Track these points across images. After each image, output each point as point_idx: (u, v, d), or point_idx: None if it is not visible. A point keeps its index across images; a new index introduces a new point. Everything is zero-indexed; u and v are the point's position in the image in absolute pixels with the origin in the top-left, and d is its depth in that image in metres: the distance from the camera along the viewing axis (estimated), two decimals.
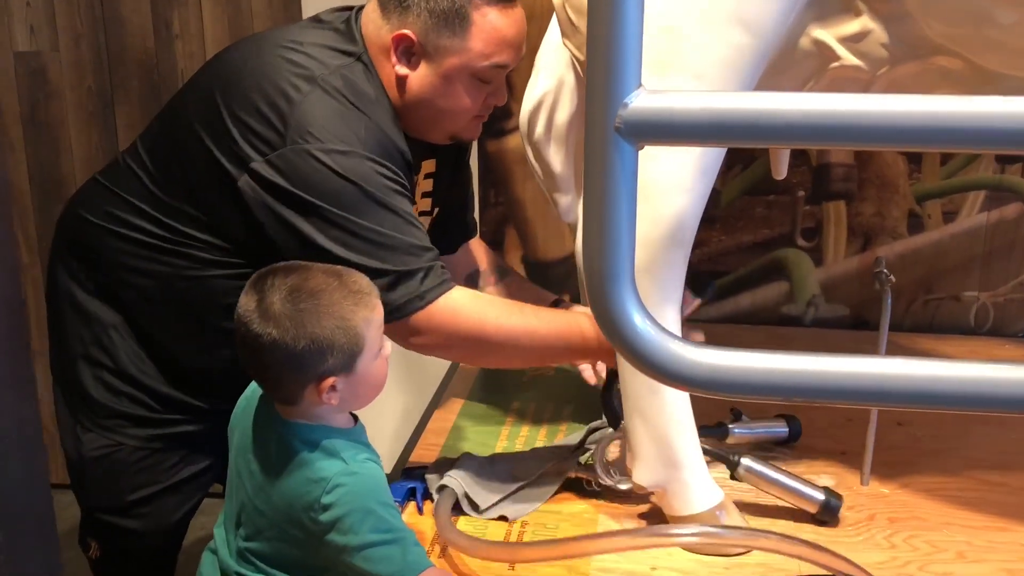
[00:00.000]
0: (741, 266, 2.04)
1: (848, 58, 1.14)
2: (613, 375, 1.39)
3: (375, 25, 1.37)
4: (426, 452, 1.54)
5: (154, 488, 1.45)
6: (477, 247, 1.73)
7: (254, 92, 1.32)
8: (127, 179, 1.43)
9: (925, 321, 2.01)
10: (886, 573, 1.24)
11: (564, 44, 1.34)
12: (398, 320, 1.29)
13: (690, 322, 2.02)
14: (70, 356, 1.46)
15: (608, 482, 1.37)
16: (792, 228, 2.00)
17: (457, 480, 1.37)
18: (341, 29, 1.39)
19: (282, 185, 1.29)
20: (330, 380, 1.09)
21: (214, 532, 1.25)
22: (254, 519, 1.17)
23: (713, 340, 1.94)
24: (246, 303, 1.10)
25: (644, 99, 0.82)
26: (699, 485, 1.27)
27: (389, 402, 2.24)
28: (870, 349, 1.89)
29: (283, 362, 1.08)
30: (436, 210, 1.58)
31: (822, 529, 1.33)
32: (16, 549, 0.98)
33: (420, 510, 1.37)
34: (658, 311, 1.21)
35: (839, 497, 1.34)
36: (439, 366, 1.94)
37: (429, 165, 1.52)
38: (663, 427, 1.24)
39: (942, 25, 1.11)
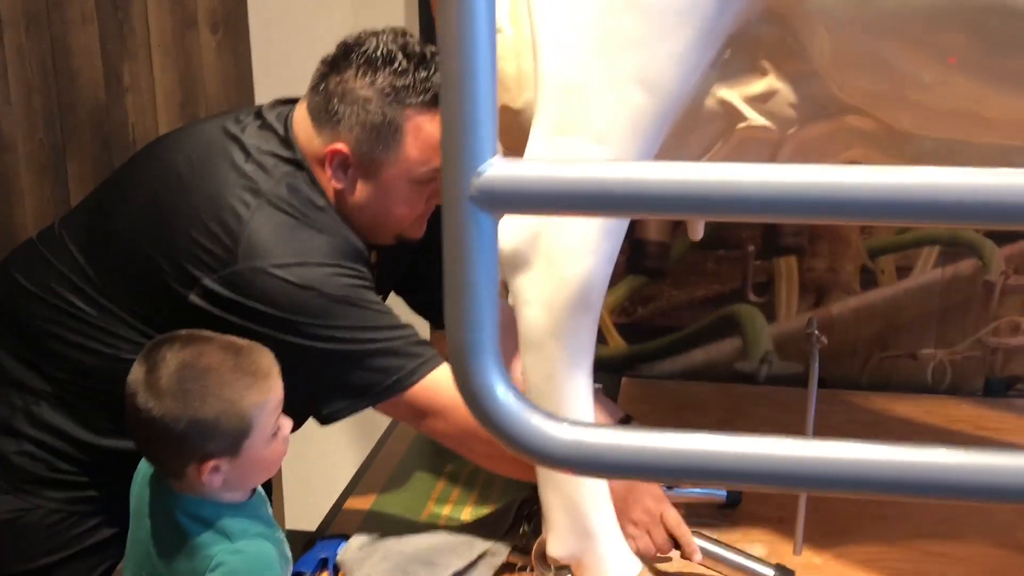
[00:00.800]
0: (693, 321, 2.01)
1: (755, 118, 1.12)
2: None
3: (307, 135, 1.37)
4: (351, 517, 1.50)
5: (69, 551, 1.40)
6: None
7: (202, 209, 1.31)
8: (61, 252, 1.41)
9: (882, 379, 1.97)
10: None
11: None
12: (388, 399, 1.30)
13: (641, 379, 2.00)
14: None
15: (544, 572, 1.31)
16: (743, 283, 1.97)
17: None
18: (280, 133, 1.38)
19: (239, 301, 1.28)
20: (211, 463, 1.06)
21: None
22: None
23: (664, 397, 1.91)
24: (135, 373, 1.08)
25: (498, 168, 0.79)
26: (614, 557, 1.23)
27: (334, 454, 2.21)
28: (835, 408, 1.88)
29: (164, 439, 1.05)
30: (380, 296, 1.56)
31: None
32: None
33: None
34: (567, 378, 1.17)
35: (790, 573, 1.30)
36: (381, 423, 1.91)
37: (372, 256, 1.50)
38: (575, 496, 1.20)
39: (858, 83, 1.09)
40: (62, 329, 1.38)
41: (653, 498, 1.35)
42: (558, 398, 1.18)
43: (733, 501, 1.50)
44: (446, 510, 1.51)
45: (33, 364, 1.40)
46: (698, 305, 1.99)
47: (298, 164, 1.36)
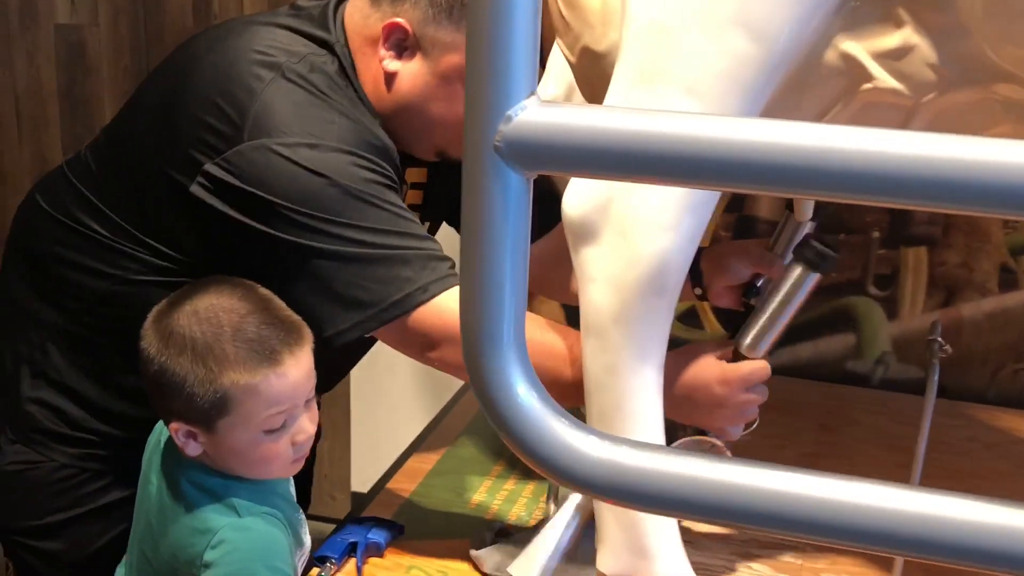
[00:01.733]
0: (802, 312, 1.80)
1: (883, 79, 0.93)
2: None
3: (362, 14, 1.23)
4: (390, 500, 1.37)
5: (77, 511, 1.31)
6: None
7: (211, 85, 1.18)
8: (83, 172, 1.32)
9: (1014, 394, 1.74)
10: None
11: (557, 44, 1.15)
12: (397, 318, 1.13)
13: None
14: (10, 360, 1.34)
15: None
16: (864, 274, 1.76)
17: None
18: (315, 16, 1.24)
19: (238, 186, 1.14)
20: (178, 425, 0.95)
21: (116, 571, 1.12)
22: (141, 566, 1.03)
23: (770, 393, 1.73)
24: (159, 305, 1.00)
25: (534, 112, 0.63)
26: None
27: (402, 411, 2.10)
28: (954, 422, 1.67)
29: (145, 377, 0.97)
30: (427, 225, 1.41)
31: None
32: None
33: (359, 570, 1.21)
34: (632, 372, 1.01)
35: None
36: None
37: (417, 174, 1.36)
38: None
39: (1017, 44, 0.89)
40: (73, 252, 1.29)
41: (718, 381, 1.18)
42: (619, 395, 1.02)
43: None
44: (496, 502, 1.37)
45: (47, 294, 1.32)
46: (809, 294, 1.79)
47: (331, 47, 1.22)
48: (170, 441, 1.03)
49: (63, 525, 1.31)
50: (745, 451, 1.54)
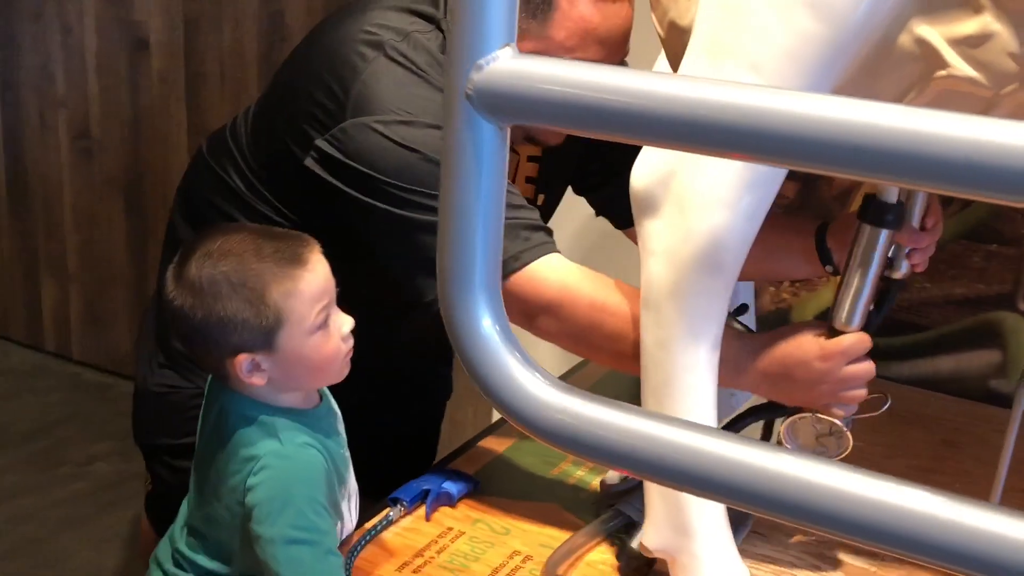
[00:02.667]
0: (946, 323, 1.73)
1: (959, 67, 0.89)
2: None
3: None
4: (479, 456, 1.41)
5: None
6: None
7: (323, 63, 1.27)
8: (237, 131, 1.43)
9: None
10: None
11: (652, 20, 1.15)
12: None
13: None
14: None
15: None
16: (1015, 288, 1.66)
17: None
18: None
19: (343, 161, 1.23)
20: (243, 357, 1.00)
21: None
22: (194, 495, 1.10)
23: (897, 404, 1.67)
24: (170, 270, 1.04)
25: (505, 62, 0.66)
26: (714, 562, 1.06)
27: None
28: None
29: (190, 334, 1.01)
30: (542, 197, 1.44)
31: None
32: None
33: (428, 517, 1.26)
34: (683, 349, 1.01)
35: None
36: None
37: (531, 148, 1.39)
38: None
39: None
40: (221, 200, 1.40)
41: (817, 357, 1.14)
42: (669, 370, 1.02)
43: None
44: (580, 472, 1.38)
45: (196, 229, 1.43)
46: (955, 305, 1.71)
47: (437, 23, 1.26)
48: (218, 382, 1.08)
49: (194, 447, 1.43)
50: (851, 460, 1.50)
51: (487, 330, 0.68)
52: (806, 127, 0.55)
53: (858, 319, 1.16)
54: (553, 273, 1.19)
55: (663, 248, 1.00)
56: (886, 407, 1.21)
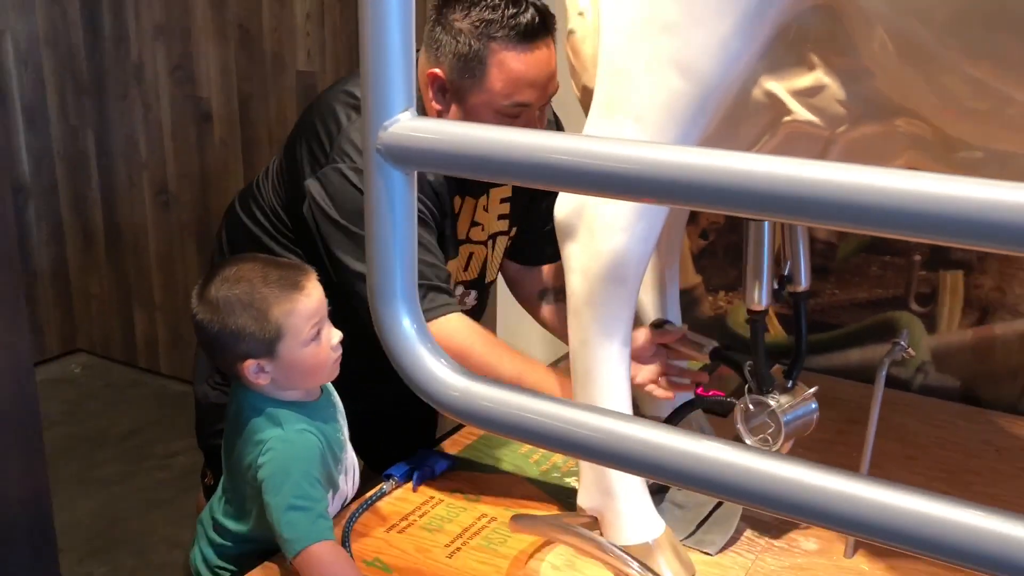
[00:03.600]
0: (853, 322, 1.75)
1: (801, 113, 0.93)
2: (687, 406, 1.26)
3: (422, 61, 1.30)
4: (462, 439, 1.46)
5: None
6: (552, 268, 1.61)
7: (316, 118, 1.32)
8: (264, 181, 1.48)
9: None
10: None
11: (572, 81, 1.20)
12: None
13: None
14: None
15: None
16: (906, 291, 1.69)
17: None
18: None
19: (319, 201, 1.28)
20: (250, 362, 1.05)
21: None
22: (225, 472, 1.16)
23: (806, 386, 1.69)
24: (195, 289, 1.10)
25: (404, 124, 0.71)
26: (632, 517, 1.10)
27: None
28: (975, 427, 1.57)
29: (207, 341, 1.06)
30: (514, 229, 1.49)
31: None
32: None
33: (415, 488, 1.30)
34: (599, 345, 1.05)
35: None
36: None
37: (504, 190, 1.44)
38: None
39: (911, 86, 0.87)
40: (245, 241, 1.45)
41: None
42: (590, 363, 1.07)
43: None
44: (554, 457, 1.42)
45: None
46: (858, 307, 1.74)
47: None
48: (238, 383, 1.13)
49: None
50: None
51: (407, 329, 0.73)
52: (659, 171, 0.59)
53: (765, 300, 1.17)
54: (449, 334, 1.24)
55: (579, 266, 1.05)
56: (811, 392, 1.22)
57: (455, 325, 1.25)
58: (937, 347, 1.68)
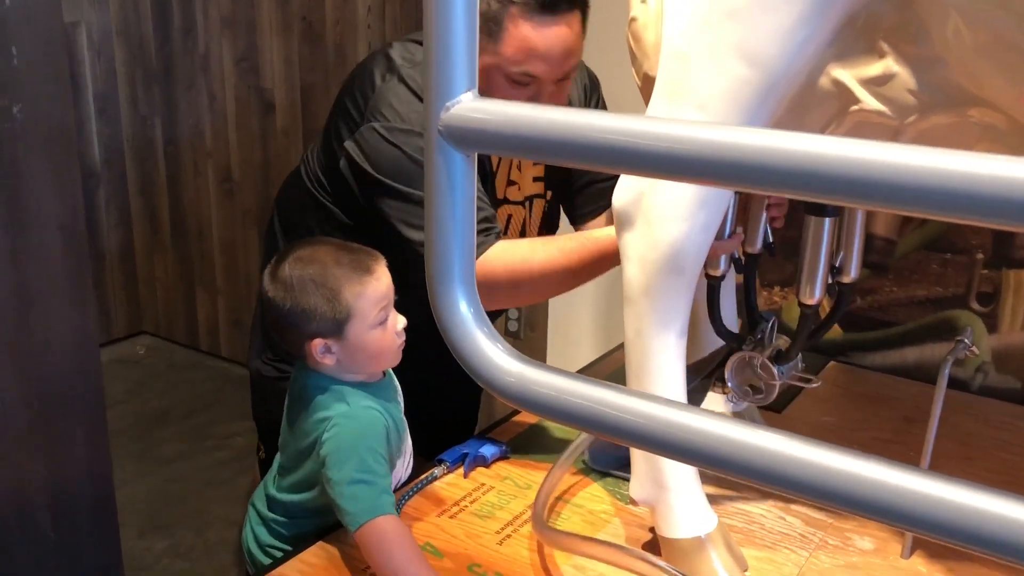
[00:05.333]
0: (910, 320, 1.70)
1: (869, 102, 0.89)
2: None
3: None
4: (513, 428, 1.44)
5: None
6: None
7: (356, 80, 1.34)
8: (310, 155, 1.48)
9: None
10: None
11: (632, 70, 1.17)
12: None
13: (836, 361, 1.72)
14: None
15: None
16: (967, 290, 1.63)
17: None
18: None
19: (357, 161, 1.29)
20: (318, 341, 1.04)
21: None
22: (283, 448, 1.15)
23: (862, 384, 1.65)
24: (268, 268, 1.09)
25: (466, 105, 0.69)
26: (685, 511, 1.07)
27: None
28: (1020, 424, 1.51)
29: (276, 320, 1.06)
30: (549, 192, 1.46)
31: None
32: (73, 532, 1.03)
33: (466, 475, 1.29)
34: (654, 335, 1.03)
35: None
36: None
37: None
38: None
39: (989, 76, 0.83)
40: (310, 202, 1.45)
41: None
42: (644, 354, 1.04)
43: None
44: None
45: (290, 235, 1.48)
46: (917, 304, 1.68)
47: None
48: (303, 364, 1.13)
49: None
50: (822, 432, 1.48)
51: (464, 312, 0.71)
52: (730, 154, 0.57)
53: (819, 293, 1.16)
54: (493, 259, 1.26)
55: (636, 255, 1.02)
56: (814, 384, 1.22)
57: (495, 253, 1.25)
58: (998, 347, 1.62)
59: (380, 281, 1.07)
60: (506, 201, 1.43)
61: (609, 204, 1.51)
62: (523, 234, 1.47)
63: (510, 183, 1.43)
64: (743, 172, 0.57)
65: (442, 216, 0.70)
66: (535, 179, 1.45)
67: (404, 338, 1.11)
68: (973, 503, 0.53)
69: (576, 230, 1.55)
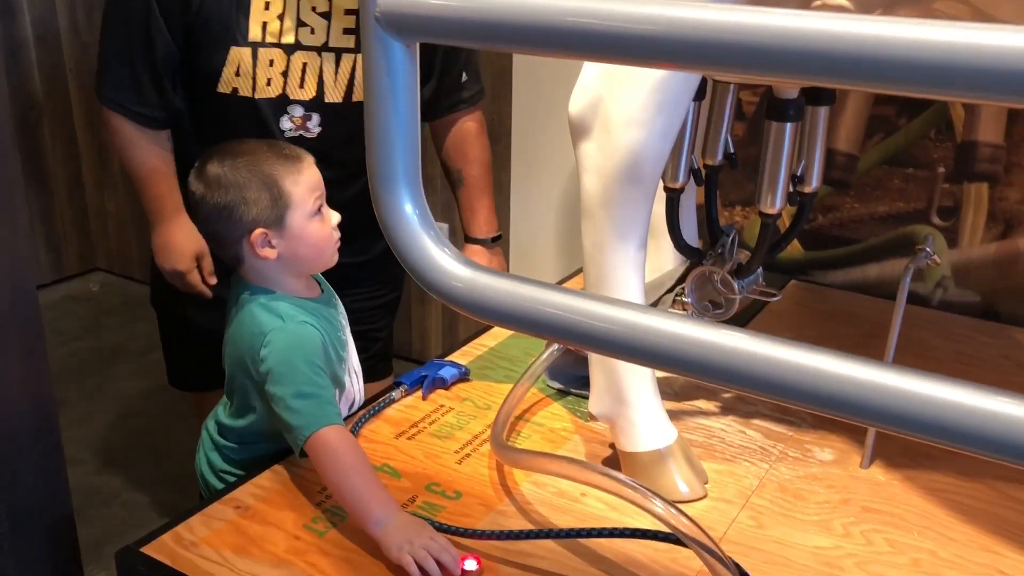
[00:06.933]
0: (872, 236, 1.69)
1: None
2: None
3: None
4: (473, 350, 1.41)
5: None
6: (471, 139, 1.54)
7: None
8: None
9: None
10: (815, 560, 0.97)
11: None
12: None
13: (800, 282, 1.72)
14: None
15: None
16: (928, 205, 1.62)
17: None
18: None
19: None
20: (259, 232, 1.01)
21: None
22: (227, 371, 1.12)
23: (825, 302, 1.65)
24: (192, 172, 1.06)
25: None
26: (645, 425, 1.06)
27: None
28: (996, 342, 1.52)
29: (214, 216, 1.02)
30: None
31: (777, 500, 1.07)
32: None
33: (424, 397, 1.27)
34: (614, 248, 1.00)
35: None
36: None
37: (318, 1, 1.33)
38: (613, 360, 1.04)
39: None
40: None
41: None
42: (604, 268, 1.01)
43: None
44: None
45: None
46: (879, 221, 1.67)
47: None
48: (237, 277, 1.10)
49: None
50: None
51: (409, 214, 0.68)
52: (692, 31, 0.54)
53: (779, 202, 1.15)
54: None
55: (593, 165, 0.98)
56: (775, 299, 1.21)
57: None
58: (958, 262, 1.62)
59: (312, 169, 1.06)
60: (298, 46, 1.34)
61: (463, 101, 1.50)
62: (320, 92, 1.37)
63: (301, 24, 1.34)
64: (709, 50, 0.54)
65: (382, 112, 0.66)
66: (346, 30, 1.35)
67: (339, 235, 1.08)
68: (937, 394, 0.51)
69: (429, 124, 1.53)
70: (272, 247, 1.03)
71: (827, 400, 0.54)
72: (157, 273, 1.50)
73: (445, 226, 1.50)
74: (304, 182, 1.04)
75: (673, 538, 0.89)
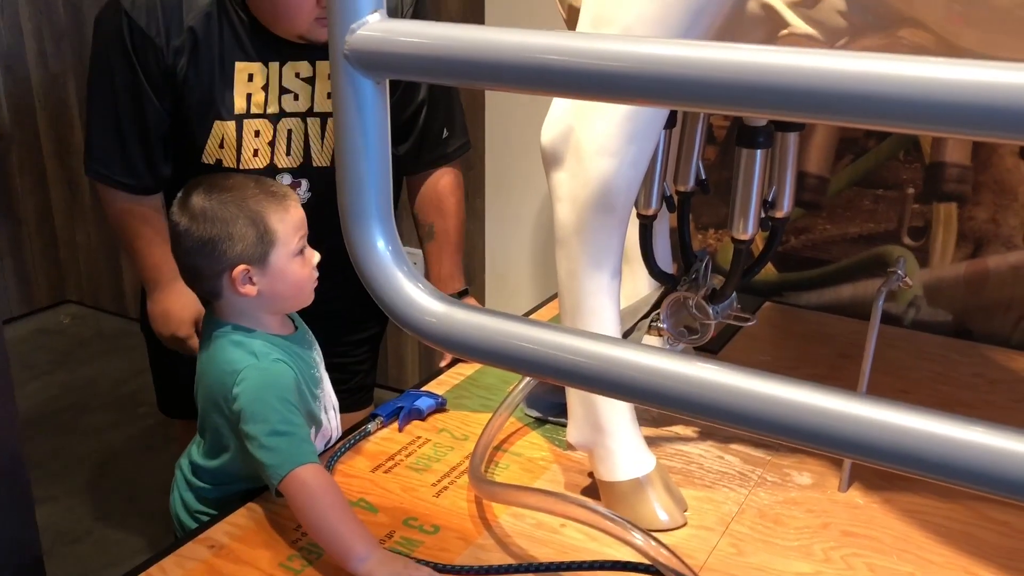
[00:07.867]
0: (844, 257, 1.70)
1: (798, 25, 0.87)
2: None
3: None
4: (449, 380, 1.41)
5: None
6: (446, 193, 1.51)
7: None
8: None
9: None
10: None
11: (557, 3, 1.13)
12: None
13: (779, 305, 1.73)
14: None
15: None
16: (899, 225, 1.63)
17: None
18: None
19: None
20: (241, 268, 1.00)
21: None
22: (199, 409, 1.10)
23: (799, 323, 1.65)
24: (175, 202, 1.05)
25: (374, 26, 0.64)
26: (624, 454, 1.05)
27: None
28: (968, 360, 1.53)
29: (196, 249, 1.01)
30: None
31: (756, 526, 1.07)
32: None
33: (401, 428, 1.26)
34: (588, 276, 1.00)
35: None
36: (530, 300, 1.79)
37: (300, 67, 1.34)
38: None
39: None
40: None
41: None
42: (579, 294, 1.01)
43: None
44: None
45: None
46: (851, 242, 1.68)
47: None
48: (210, 313, 1.09)
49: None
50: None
51: (381, 250, 0.67)
52: (662, 68, 0.53)
53: (752, 228, 1.15)
54: None
55: (566, 194, 0.99)
56: (750, 323, 1.22)
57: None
58: (929, 281, 1.63)
59: (298, 208, 1.05)
60: (283, 114, 1.34)
61: (443, 157, 1.49)
62: (307, 157, 1.37)
63: (284, 91, 1.34)
64: (679, 87, 0.54)
65: (353, 149, 0.66)
66: (331, 94, 1.39)
67: (317, 275, 1.07)
68: (911, 425, 0.51)
69: (409, 181, 1.51)
70: (253, 284, 1.02)
71: (804, 433, 0.53)
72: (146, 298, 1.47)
73: (418, 251, 1.49)
74: (290, 220, 1.03)
75: (653, 569, 0.89)
